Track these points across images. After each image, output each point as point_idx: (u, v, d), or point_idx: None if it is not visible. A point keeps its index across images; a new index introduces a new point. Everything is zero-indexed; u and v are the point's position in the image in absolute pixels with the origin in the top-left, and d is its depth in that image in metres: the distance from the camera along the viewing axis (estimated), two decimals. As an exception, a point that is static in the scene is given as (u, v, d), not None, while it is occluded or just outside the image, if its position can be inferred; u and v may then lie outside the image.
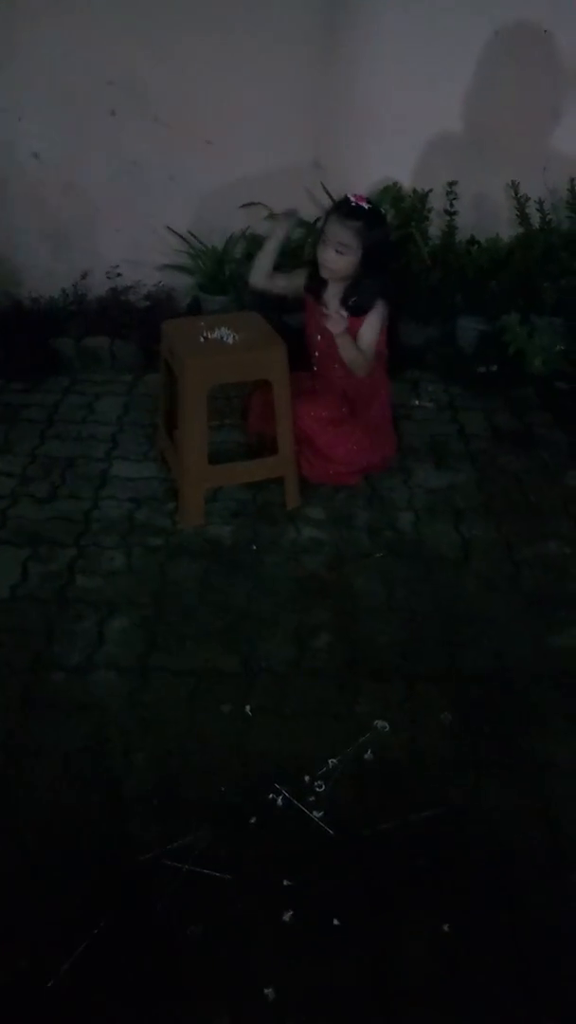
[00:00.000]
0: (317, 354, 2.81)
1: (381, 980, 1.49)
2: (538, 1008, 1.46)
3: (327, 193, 3.47)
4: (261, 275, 2.73)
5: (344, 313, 2.53)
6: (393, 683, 2.08)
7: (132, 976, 1.48)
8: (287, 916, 1.57)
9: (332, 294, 2.65)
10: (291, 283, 2.79)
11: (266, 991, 1.46)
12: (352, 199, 2.52)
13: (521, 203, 3.56)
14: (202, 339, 2.57)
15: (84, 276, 3.63)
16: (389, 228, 2.65)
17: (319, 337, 2.72)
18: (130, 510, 2.69)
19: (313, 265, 2.66)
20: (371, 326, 2.61)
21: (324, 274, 2.62)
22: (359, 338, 2.62)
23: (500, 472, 2.94)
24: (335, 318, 2.51)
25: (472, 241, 3.62)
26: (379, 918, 1.58)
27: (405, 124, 3.45)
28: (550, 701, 2.05)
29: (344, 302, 2.60)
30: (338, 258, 2.55)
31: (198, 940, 1.53)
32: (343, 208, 2.52)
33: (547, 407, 3.30)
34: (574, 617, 2.31)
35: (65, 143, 3.45)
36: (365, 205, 2.51)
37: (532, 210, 3.56)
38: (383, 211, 2.64)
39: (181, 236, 3.64)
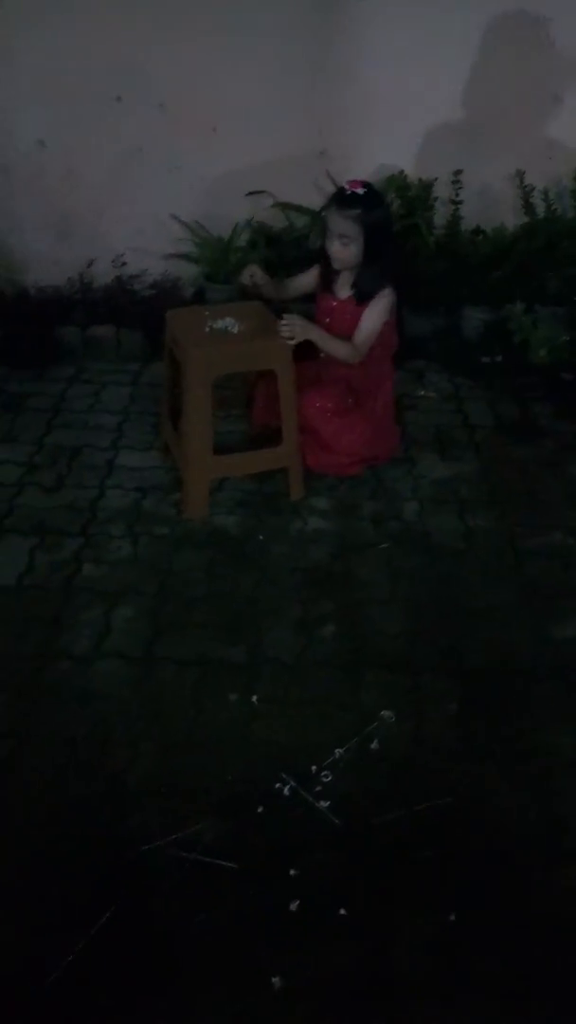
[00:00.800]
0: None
1: (387, 969, 1.50)
2: (540, 999, 1.47)
3: (332, 181, 3.45)
4: (275, 298, 2.75)
5: (297, 322, 2.51)
6: (398, 673, 2.09)
7: (138, 965, 1.50)
8: (294, 906, 1.58)
9: (343, 283, 2.65)
10: (302, 285, 2.80)
11: (273, 980, 1.47)
12: (347, 187, 2.51)
13: (526, 192, 3.54)
14: (206, 329, 2.57)
15: (89, 265, 3.62)
16: (388, 208, 2.64)
17: (328, 320, 2.71)
18: (136, 500, 2.70)
19: (324, 256, 2.66)
20: (374, 312, 2.60)
21: (336, 266, 2.62)
22: (360, 324, 2.61)
23: (504, 462, 2.94)
24: (288, 327, 2.48)
25: (477, 231, 3.61)
26: (385, 908, 1.59)
27: (409, 112, 3.43)
28: (554, 691, 2.06)
29: (356, 291, 2.61)
30: (343, 249, 2.55)
31: (204, 929, 1.55)
32: (340, 199, 2.52)
33: (551, 397, 3.30)
34: (578, 608, 2.32)
35: (70, 130, 3.43)
36: (360, 190, 2.50)
37: (537, 199, 3.55)
38: (383, 195, 2.62)
39: (186, 225, 3.63)
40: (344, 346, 2.65)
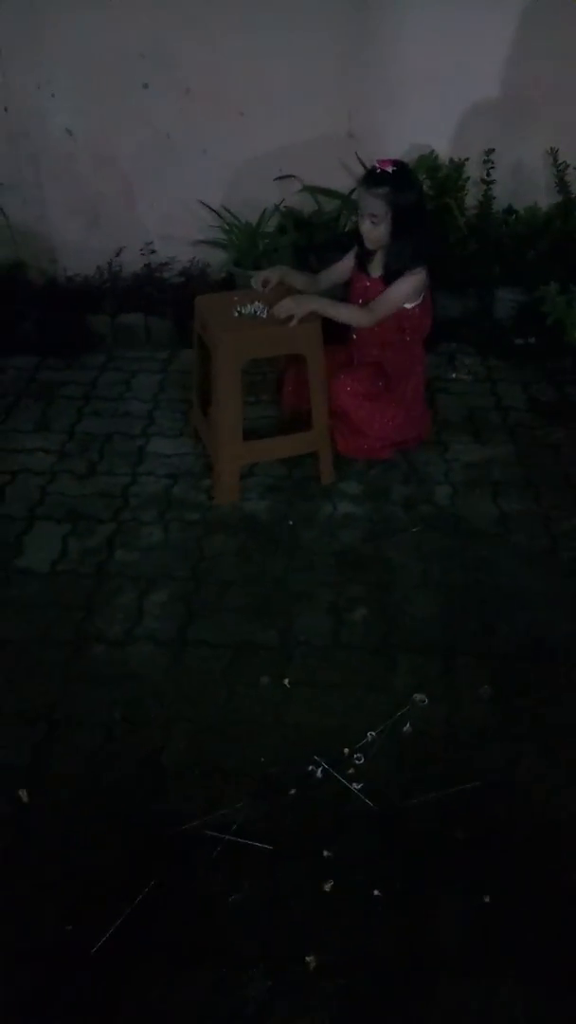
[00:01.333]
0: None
1: (420, 949, 1.50)
2: (569, 981, 1.46)
3: (361, 163, 3.42)
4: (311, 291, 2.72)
5: (287, 303, 2.50)
6: (431, 656, 2.08)
7: (174, 943, 1.51)
8: (327, 886, 1.58)
9: (377, 263, 2.63)
10: (336, 274, 2.78)
11: (307, 959, 1.48)
12: (377, 166, 2.48)
13: (560, 170, 3.47)
14: (235, 314, 2.56)
15: (118, 253, 3.63)
16: (419, 186, 2.60)
17: (360, 300, 2.68)
18: (167, 486, 2.70)
19: (359, 236, 2.63)
20: (402, 285, 2.56)
21: (368, 245, 2.59)
22: (384, 293, 2.59)
23: (539, 445, 2.90)
24: (285, 304, 2.48)
25: (510, 210, 3.55)
26: (418, 889, 1.59)
27: (440, 92, 3.38)
28: (590, 675, 2.03)
29: (387, 270, 2.58)
30: (372, 228, 2.52)
31: (240, 907, 1.55)
32: (369, 178, 2.49)
33: (586, 379, 3.25)
34: (614, 591, 2.29)
35: (98, 118, 3.44)
36: (391, 169, 2.47)
37: (572, 177, 3.48)
38: (414, 173, 2.58)
39: (214, 211, 3.62)
40: (354, 310, 2.63)
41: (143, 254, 3.65)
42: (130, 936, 1.51)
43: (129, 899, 1.56)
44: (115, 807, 1.73)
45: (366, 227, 2.54)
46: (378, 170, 2.47)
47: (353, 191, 3.45)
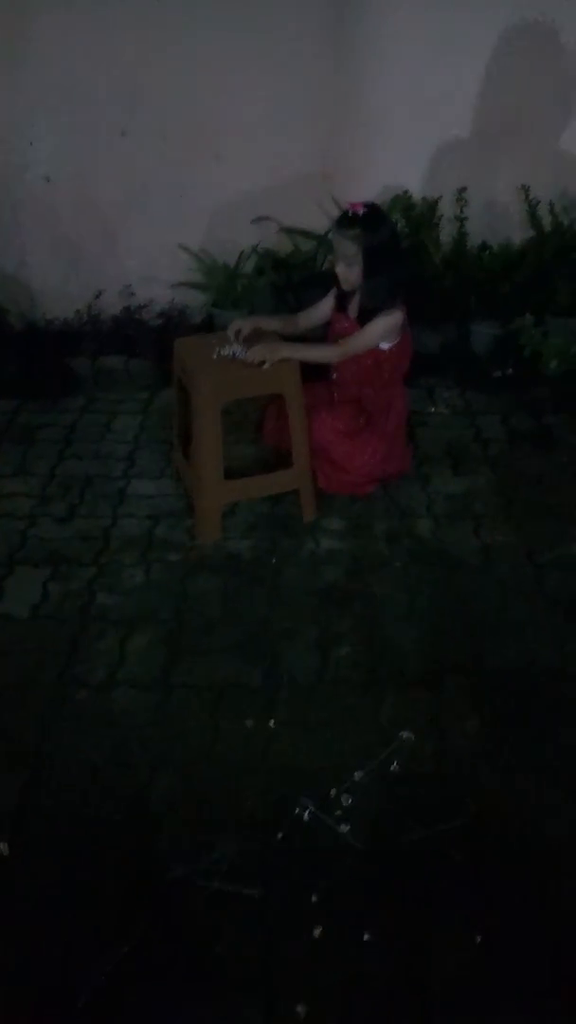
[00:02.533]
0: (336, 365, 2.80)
1: (414, 994, 1.46)
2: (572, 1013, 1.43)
3: (336, 204, 3.47)
4: (290, 333, 2.75)
5: (260, 349, 2.53)
6: (418, 690, 2.06)
7: (163, 993, 1.47)
8: (317, 932, 1.55)
9: (355, 304, 2.66)
10: (316, 315, 2.80)
11: (297, 1008, 1.44)
12: (349, 209, 2.52)
13: (532, 206, 3.54)
14: (214, 356, 2.58)
15: (98, 296, 3.66)
16: (392, 226, 2.63)
17: (340, 340, 2.70)
18: (149, 527, 2.70)
19: (336, 276, 2.66)
20: (376, 324, 2.57)
21: (344, 286, 2.62)
22: (358, 332, 2.61)
23: (519, 475, 2.91)
24: (257, 350, 2.52)
25: (484, 246, 3.61)
26: (410, 931, 1.56)
27: (413, 132, 3.46)
28: (574, 703, 2.02)
29: (362, 310, 2.61)
30: (347, 270, 2.55)
31: (228, 956, 1.52)
32: (342, 220, 2.53)
33: (564, 408, 3.28)
34: (599, 620, 2.28)
35: (77, 165, 3.49)
36: (361, 211, 2.50)
37: (543, 212, 3.55)
38: (386, 215, 2.62)
39: (193, 253, 3.66)
40: (323, 348, 2.68)
41: (122, 297, 3.68)
42: (117, 985, 1.47)
43: (115, 948, 1.52)
44: (100, 852, 1.70)
45: (341, 270, 2.57)
46: (350, 212, 2.51)
47: (329, 231, 3.51)
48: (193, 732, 1.97)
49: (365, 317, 2.60)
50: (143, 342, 3.54)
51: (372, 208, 2.55)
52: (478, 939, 1.54)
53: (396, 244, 2.65)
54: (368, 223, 2.49)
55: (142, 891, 1.63)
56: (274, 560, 2.53)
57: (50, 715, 2.01)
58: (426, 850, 1.69)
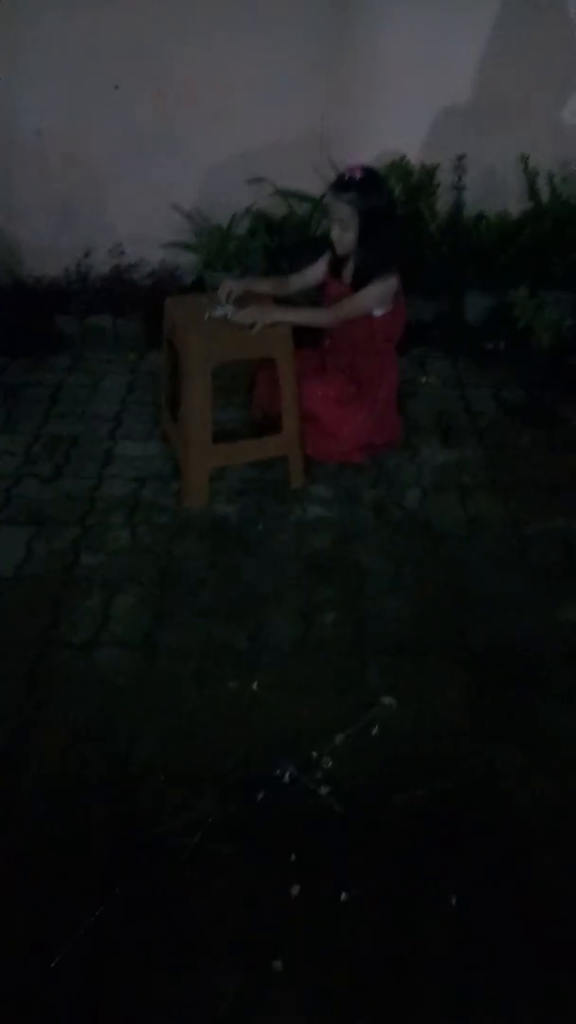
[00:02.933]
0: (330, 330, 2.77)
1: (388, 953, 1.48)
2: (548, 979, 1.45)
3: (333, 167, 3.42)
4: (281, 294, 2.72)
5: (251, 312, 2.50)
6: (401, 658, 2.07)
7: (141, 949, 1.48)
8: (295, 890, 1.56)
9: (349, 269, 2.62)
10: (308, 277, 2.77)
11: (274, 963, 1.46)
12: (346, 172, 2.48)
13: (531, 177, 3.50)
14: (206, 317, 2.54)
15: (87, 254, 3.60)
16: (388, 192, 2.60)
17: (332, 306, 2.67)
18: (135, 489, 2.68)
19: (331, 240, 2.63)
20: (370, 290, 2.54)
21: (338, 251, 2.59)
22: (352, 296, 2.58)
23: (507, 448, 2.91)
24: (249, 312, 2.48)
25: (480, 216, 3.57)
26: (387, 892, 1.57)
27: (412, 97, 3.40)
28: (557, 675, 2.03)
29: (355, 275, 2.58)
30: (341, 234, 2.52)
31: (207, 912, 1.53)
32: (338, 184, 2.49)
33: (555, 383, 3.27)
34: (583, 593, 2.30)
35: (68, 118, 3.41)
36: (359, 175, 2.46)
37: (542, 184, 3.51)
38: (383, 180, 2.58)
39: (185, 213, 3.60)
40: (315, 312, 2.65)
41: (112, 256, 3.62)
42: (99, 940, 1.48)
43: (97, 903, 1.53)
44: (82, 812, 1.70)
45: (335, 233, 2.53)
46: (346, 176, 2.47)
47: (324, 195, 3.46)
48: (176, 693, 1.97)
49: (359, 283, 2.57)
50: (132, 302, 3.49)
51: (369, 172, 2.51)
52: (453, 900, 1.56)
53: (392, 210, 2.62)
54: (364, 187, 2.45)
55: (122, 849, 1.63)
56: (260, 526, 2.52)
57: (33, 674, 2.00)
58: (404, 813, 1.71)
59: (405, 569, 2.37)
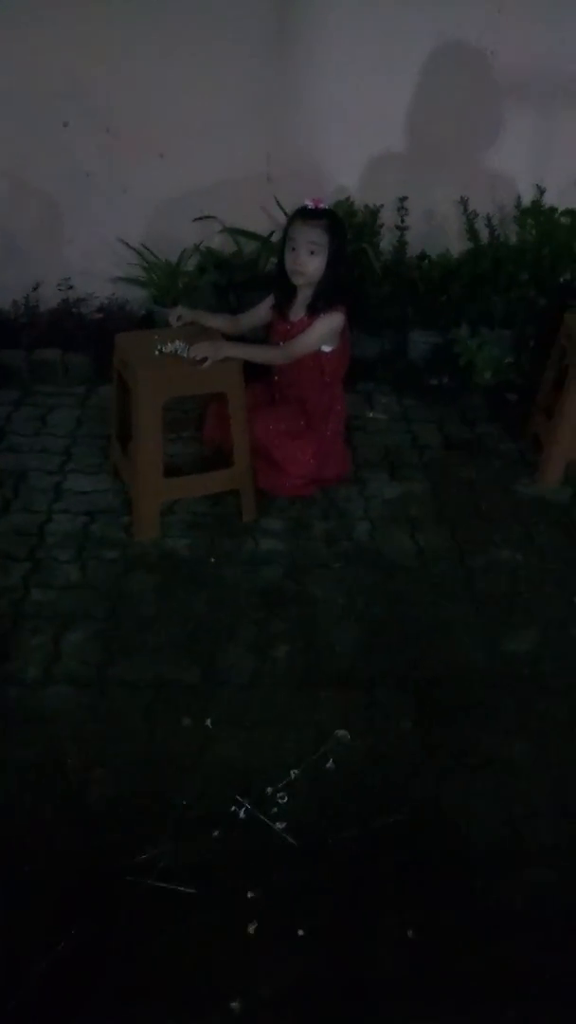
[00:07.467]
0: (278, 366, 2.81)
1: (347, 989, 1.49)
2: (509, 1005, 1.47)
3: (280, 207, 3.49)
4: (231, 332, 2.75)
5: (204, 347, 2.52)
6: (353, 690, 2.09)
7: (97, 993, 1.45)
8: (252, 928, 1.56)
9: (298, 306, 2.66)
10: (256, 317, 2.82)
11: (232, 1004, 1.45)
12: (310, 203, 2.55)
13: (470, 218, 3.63)
14: (156, 352, 2.56)
15: (35, 288, 3.59)
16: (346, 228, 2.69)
17: (282, 343, 2.72)
18: (85, 523, 2.66)
19: (278, 279, 2.67)
20: (319, 326, 2.60)
21: (297, 280, 2.61)
22: (302, 333, 2.63)
23: (453, 481, 2.98)
24: (202, 347, 2.51)
25: (423, 256, 3.68)
26: (345, 926, 1.58)
27: (353, 140, 3.50)
28: (505, 703, 2.08)
29: (312, 307, 2.62)
30: (311, 259, 2.54)
31: (163, 954, 1.51)
32: (306, 211, 2.54)
33: (497, 417, 3.37)
34: (526, 621, 2.35)
35: (17, 154, 3.42)
36: (323, 205, 2.56)
37: (481, 226, 3.64)
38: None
39: (134, 249, 3.63)
40: (268, 350, 2.70)
41: (61, 290, 3.62)
42: (54, 982, 1.45)
43: (50, 947, 1.50)
44: (34, 853, 1.67)
45: (303, 258, 2.54)
46: (312, 206, 2.54)
47: (272, 234, 3.53)
48: (129, 731, 1.95)
49: (316, 311, 2.61)
50: (81, 336, 3.49)
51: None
52: (410, 933, 1.57)
53: (346, 245, 2.69)
54: (334, 217, 2.54)
55: (77, 891, 1.61)
56: (212, 559, 2.53)
57: (-19, 713, 1.97)
58: (360, 847, 1.72)
59: (356, 601, 2.40)
